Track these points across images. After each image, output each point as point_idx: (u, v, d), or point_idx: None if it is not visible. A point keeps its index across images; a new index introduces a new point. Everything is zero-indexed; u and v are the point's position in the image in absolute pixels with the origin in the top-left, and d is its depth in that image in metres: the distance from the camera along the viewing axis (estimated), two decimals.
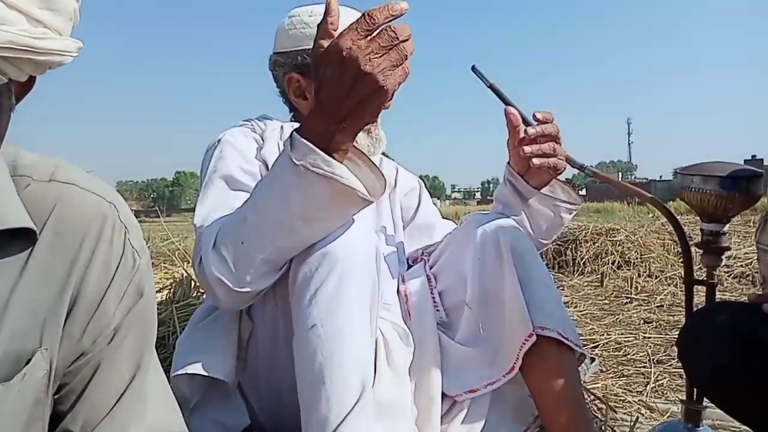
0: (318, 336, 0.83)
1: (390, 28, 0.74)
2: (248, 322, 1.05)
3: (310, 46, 1.16)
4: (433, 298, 1.20)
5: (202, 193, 1.06)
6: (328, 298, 0.84)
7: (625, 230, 4.06)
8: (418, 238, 1.36)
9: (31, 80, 0.54)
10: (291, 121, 1.27)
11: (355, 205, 0.85)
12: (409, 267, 1.33)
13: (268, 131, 1.16)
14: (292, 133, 0.83)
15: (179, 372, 0.96)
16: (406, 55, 0.75)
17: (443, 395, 1.11)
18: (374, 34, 0.74)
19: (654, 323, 2.43)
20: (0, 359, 0.51)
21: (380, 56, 0.74)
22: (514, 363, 1.07)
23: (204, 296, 1.82)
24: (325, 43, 0.77)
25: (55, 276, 0.56)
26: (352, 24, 0.74)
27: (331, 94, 0.77)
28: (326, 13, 0.80)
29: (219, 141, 1.14)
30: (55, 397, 0.58)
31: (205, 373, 0.98)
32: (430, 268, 1.24)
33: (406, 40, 0.75)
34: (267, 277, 0.90)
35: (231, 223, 0.90)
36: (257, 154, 1.13)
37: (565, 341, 1.06)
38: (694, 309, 1.17)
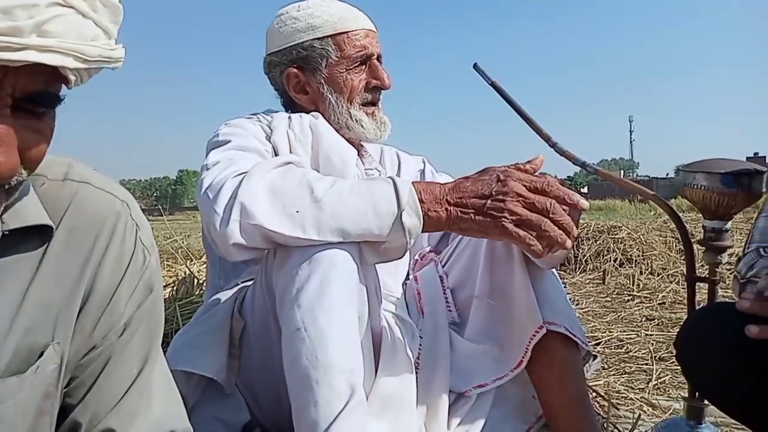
0: (302, 339, 0.82)
1: (554, 203, 0.86)
2: (240, 320, 1.05)
3: (304, 39, 1.19)
4: (446, 298, 1.20)
5: (214, 152, 1.01)
6: (309, 300, 0.83)
7: (627, 228, 4.06)
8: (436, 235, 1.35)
9: None
10: None
11: (382, 253, 0.91)
12: (415, 260, 1.34)
13: (276, 122, 1.15)
14: (414, 183, 0.90)
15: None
16: (541, 227, 0.84)
17: (450, 390, 1.11)
18: (539, 197, 0.86)
19: (656, 320, 2.43)
20: (13, 353, 0.53)
21: (524, 207, 0.85)
22: (522, 357, 1.07)
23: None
24: (511, 166, 0.92)
25: (69, 272, 0.57)
26: (536, 174, 0.90)
27: (471, 187, 0.89)
28: (533, 161, 0.94)
29: (225, 124, 1.12)
30: (65, 390, 0.59)
31: (195, 371, 0.98)
32: (443, 267, 1.25)
33: (553, 220, 0.85)
34: (262, 241, 0.87)
35: (296, 183, 0.87)
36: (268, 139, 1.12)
37: (573, 337, 1.07)
38: (696, 306, 1.17)
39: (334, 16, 1.19)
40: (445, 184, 0.91)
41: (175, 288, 2.48)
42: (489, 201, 0.86)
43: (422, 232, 0.90)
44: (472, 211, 0.87)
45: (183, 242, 3.41)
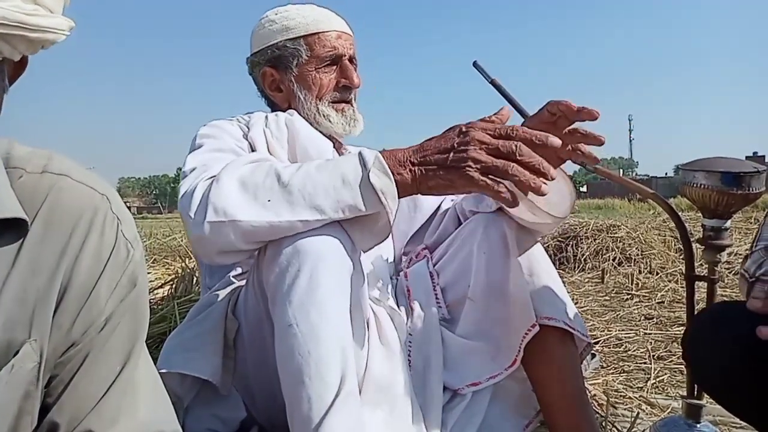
0: (294, 335, 0.82)
1: (520, 145, 0.81)
2: (234, 321, 1.05)
3: (278, 40, 1.26)
4: (436, 294, 1.20)
5: (190, 156, 1.02)
6: (300, 296, 0.83)
7: (626, 227, 4.06)
8: (420, 221, 1.36)
9: (24, 62, 0.54)
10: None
11: (373, 232, 0.89)
12: (408, 258, 1.33)
13: (253, 120, 1.19)
14: (381, 151, 0.88)
15: (164, 370, 0.96)
16: (508, 172, 0.80)
17: (445, 388, 1.11)
18: (502, 141, 0.82)
19: (655, 319, 2.43)
20: None
21: (489, 154, 0.81)
22: (516, 355, 1.07)
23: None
24: (476, 119, 0.89)
25: (44, 266, 0.55)
26: (498, 122, 0.87)
27: (434, 142, 0.87)
28: (498, 112, 0.91)
29: (204, 125, 1.16)
30: (45, 389, 0.56)
31: (190, 373, 0.98)
32: (434, 265, 1.24)
33: (522, 164, 0.80)
34: (240, 239, 0.86)
35: (264, 175, 0.87)
36: (245, 137, 1.15)
37: (572, 330, 1.07)
38: (696, 306, 1.17)
39: (308, 19, 1.26)
40: (409, 147, 0.89)
41: (173, 286, 2.48)
42: (452, 153, 0.83)
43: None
44: (435, 166, 0.85)
45: (182, 240, 3.41)
